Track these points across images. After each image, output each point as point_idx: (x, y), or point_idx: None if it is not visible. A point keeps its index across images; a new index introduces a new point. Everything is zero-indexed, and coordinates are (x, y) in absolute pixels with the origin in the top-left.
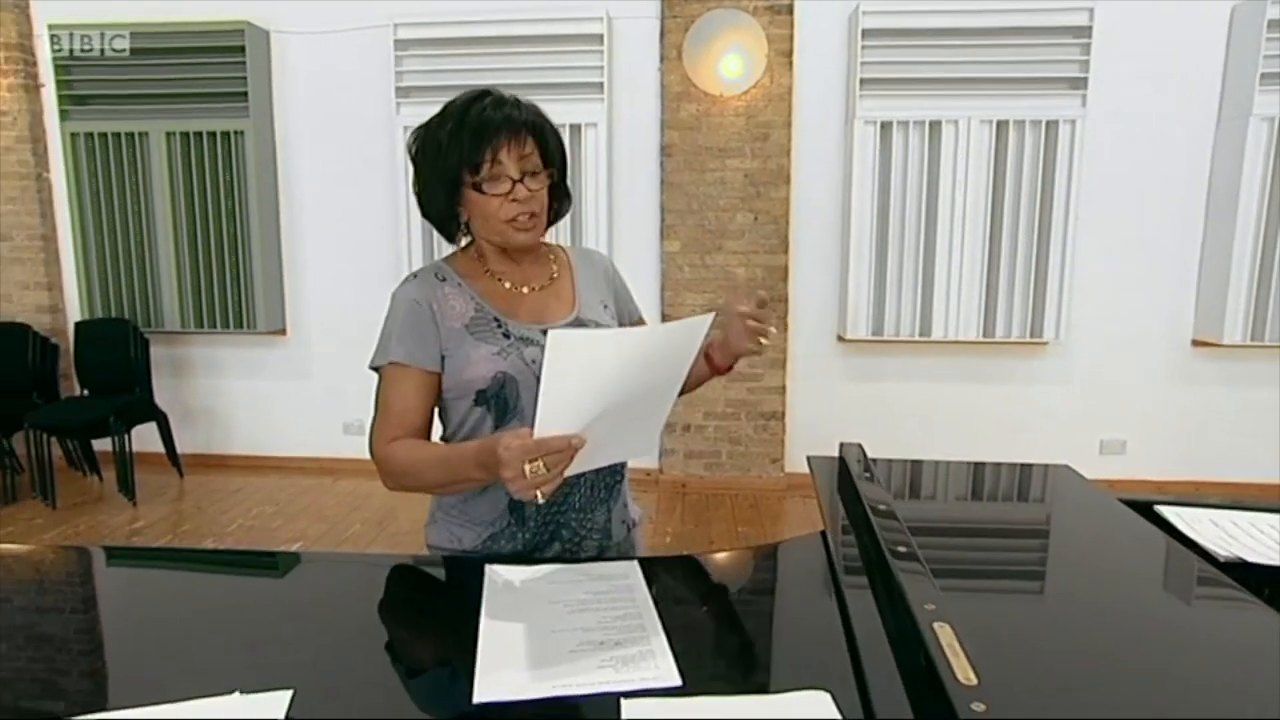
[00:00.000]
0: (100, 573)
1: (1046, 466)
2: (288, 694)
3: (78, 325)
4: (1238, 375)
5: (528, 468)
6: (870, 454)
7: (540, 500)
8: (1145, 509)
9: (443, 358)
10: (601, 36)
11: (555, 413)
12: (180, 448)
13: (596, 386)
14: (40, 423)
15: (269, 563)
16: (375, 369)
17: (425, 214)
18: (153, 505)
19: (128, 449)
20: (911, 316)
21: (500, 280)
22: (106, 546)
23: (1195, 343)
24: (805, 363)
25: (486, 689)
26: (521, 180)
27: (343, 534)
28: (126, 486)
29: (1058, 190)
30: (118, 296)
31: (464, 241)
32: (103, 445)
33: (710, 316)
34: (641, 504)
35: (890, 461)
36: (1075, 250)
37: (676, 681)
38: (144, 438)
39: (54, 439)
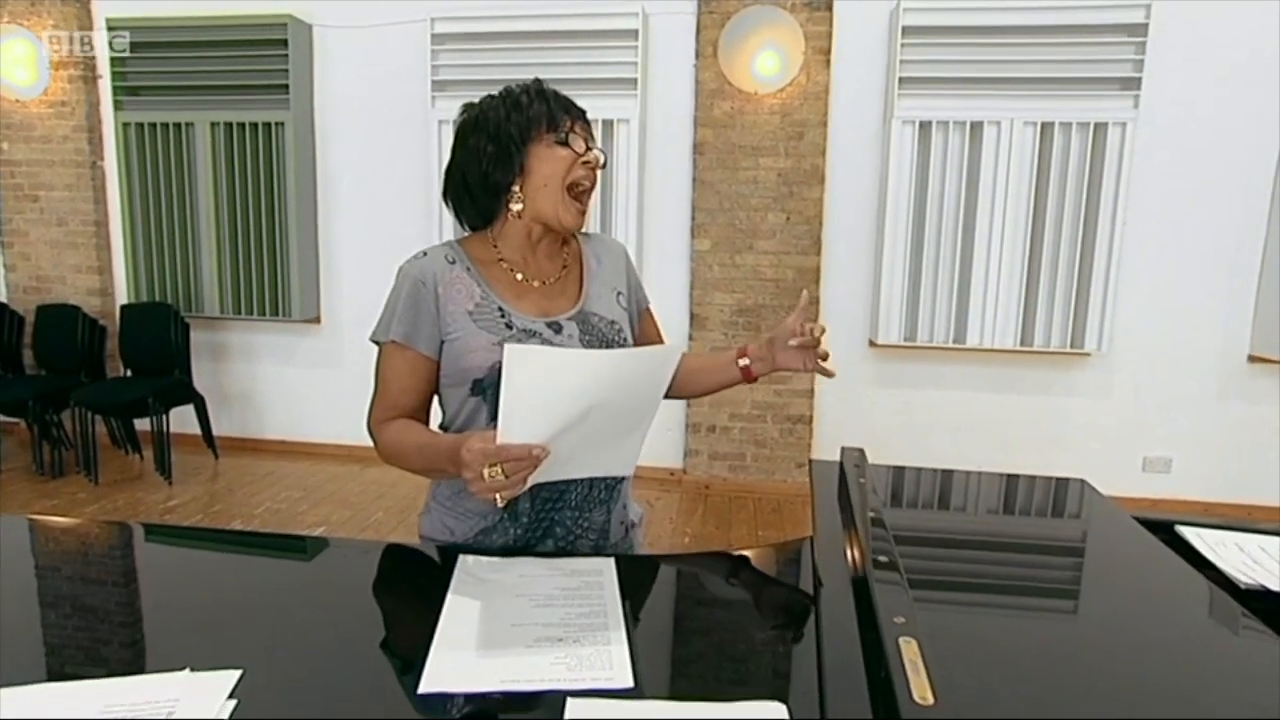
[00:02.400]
0: (139, 547)
1: (1060, 480)
2: (235, 674)
3: (123, 308)
4: None
5: (487, 472)
6: (899, 464)
7: (500, 504)
8: (1167, 529)
9: (442, 343)
10: (637, 32)
11: (517, 422)
12: (216, 430)
13: (558, 401)
14: (85, 401)
15: (286, 545)
16: (375, 342)
17: (482, 177)
18: (187, 485)
19: (166, 429)
20: (946, 323)
21: (511, 271)
22: (145, 524)
23: (1252, 358)
24: (835, 366)
25: (432, 680)
26: (589, 150)
27: (365, 521)
28: (163, 466)
29: (1105, 195)
30: (161, 281)
31: (505, 216)
32: (144, 425)
33: (680, 348)
34: (662, 504)
35: (895, 468)
36: (1122, 259)
37: (629, 684)
38: (183, 419)
39: (98, 417)
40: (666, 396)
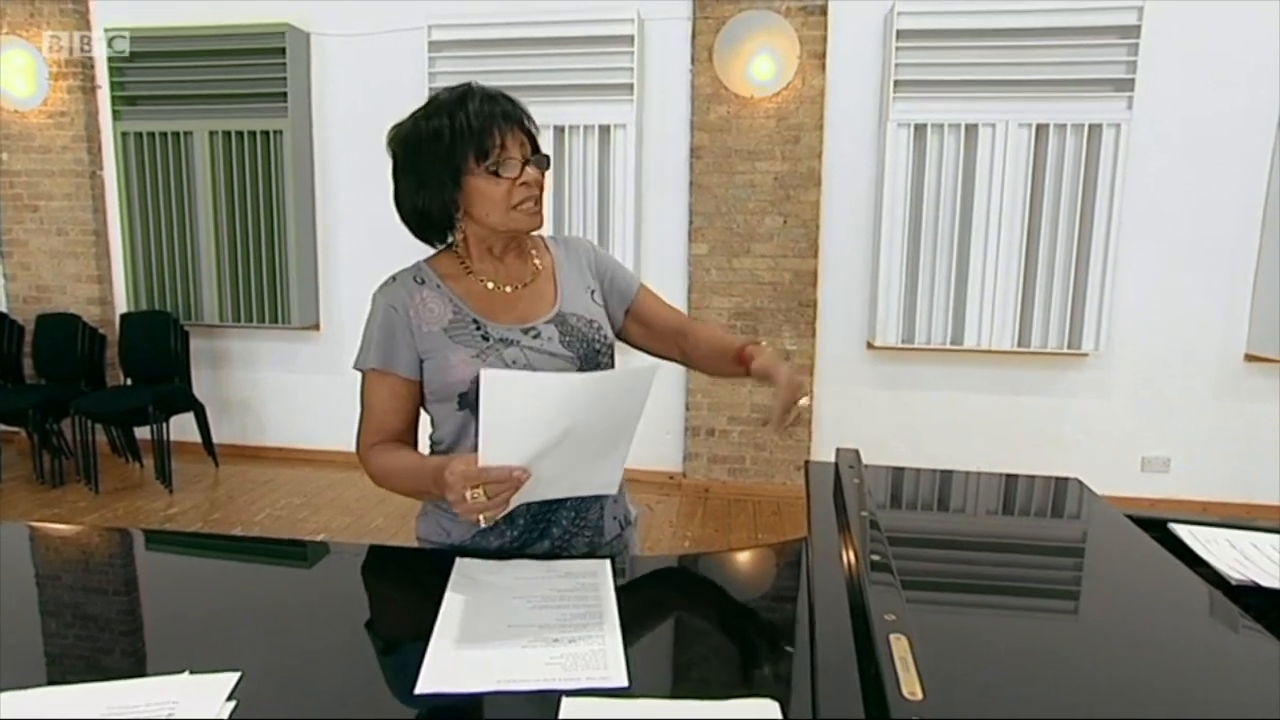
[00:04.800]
0: (139, 554)
1: (1054, 479)
2: (235, 676)
3: (123, 317)
4: None
5: (469, 493)
6: (897, 465)
7: (483, 524)
8: (1160, 527)
9: (421, 362)
10: (632, 38)
11: (496, 445)
12: (216, 438)
13: (536, 424)
14: (85, 409)
15: (285, 550)
16: (358, 369)
17: (422, 214)
18: (188, 493)
19: (166, 437)
20: (943, 324)
21: (482, 281)
22: (146, 530)
23: (1248, 357)
24: (833, 369)
25: (430, 681)
26: (526, 165)
27: (366, 527)
28: (164, 474)
29: (1100, 196)
30: (161, 290)
31: (450, 239)
32: (145, 433)
33: (655, 365)
34: (662, 507)
35: (893, 469)
36: (1118, 259)
37: (624, 683)
38: (184, 427)
39: (99, 426)
40: (679, 363)
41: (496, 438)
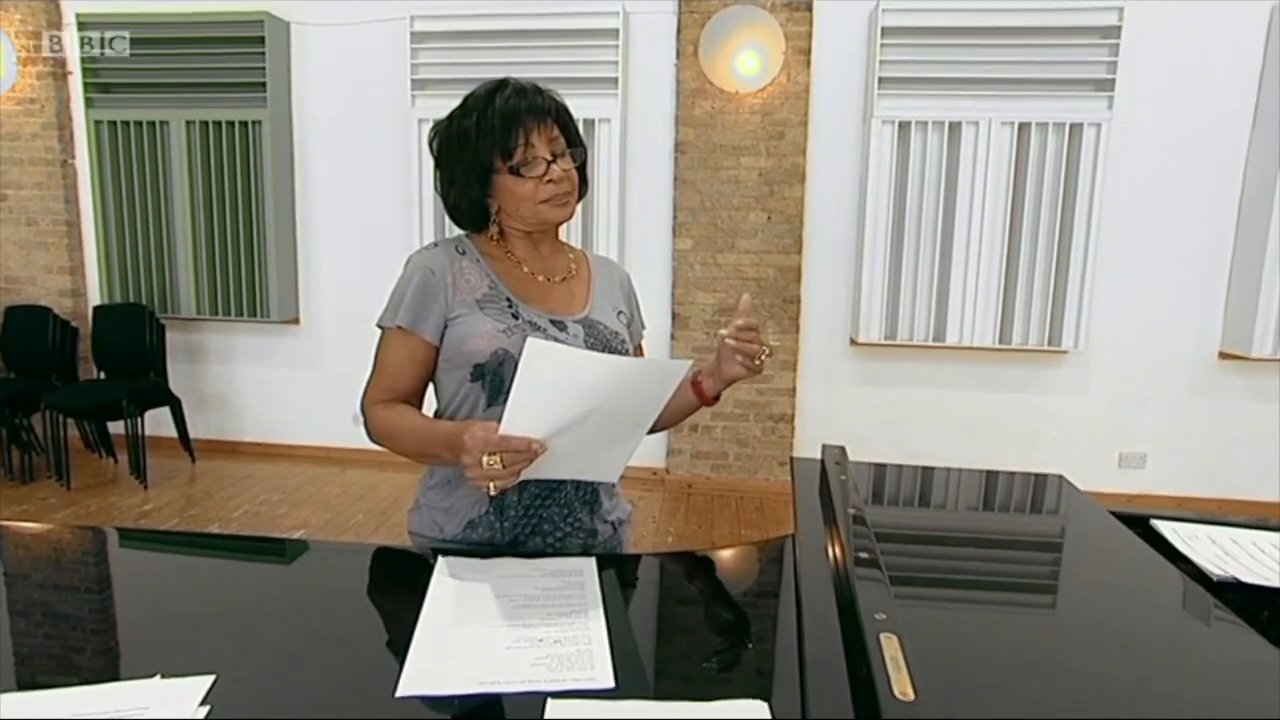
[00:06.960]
0: (112, 552)
1: (1038, 476)
2: (209, 679)
3: (96, 309)
4: (1267, 390)
5: (486, 459)
6: (880, 461)
7: (493, 493)
8: (1142, 523)
9: (445, 327)
10: (617, 31)
11: (522, 415)
12: (193, 433)
13: (565, 400)
14: (57, 404)
15: (265, 549)
16: (380, 327)
17: (454, 208)
18: (163, 489)
19: (141, 432)
20: (926, 321)
21: (520, 264)
22: (119, 528)
23: (1222, 355)
24: (816, 365)
25: (411, 682)
26: (554, 161)
27: (345, 524)
28: (138, 469)
29: (1080, 195)
30: (136, 282)
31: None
32: (119, 428)
33: (689, 363)
34: (645, 503)
35: (876, 466)
36: (1097, 257)
37: (610, 684)
38: (159, 422)
39: (70, 420)
40: None
41: (524, 408)
